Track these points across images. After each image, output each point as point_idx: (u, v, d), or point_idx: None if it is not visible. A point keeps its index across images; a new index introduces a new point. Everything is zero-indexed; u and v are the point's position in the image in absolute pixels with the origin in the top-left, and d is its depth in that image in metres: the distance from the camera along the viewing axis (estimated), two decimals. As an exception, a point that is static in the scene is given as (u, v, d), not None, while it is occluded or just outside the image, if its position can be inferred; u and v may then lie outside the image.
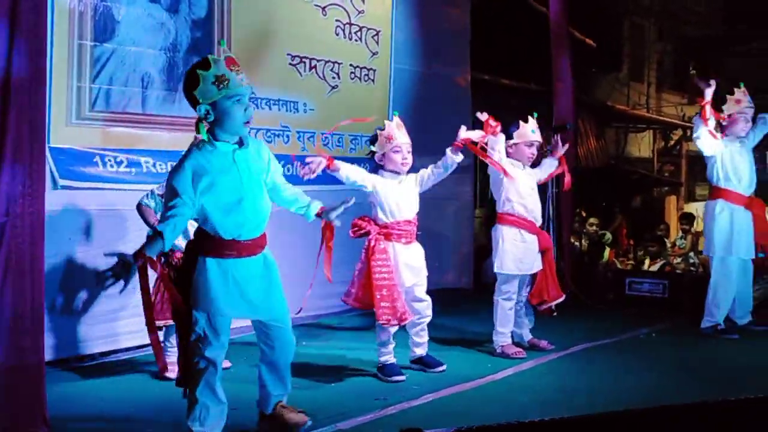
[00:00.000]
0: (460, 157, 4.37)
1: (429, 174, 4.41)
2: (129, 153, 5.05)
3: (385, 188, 4.26)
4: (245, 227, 3.11)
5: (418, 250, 4.42)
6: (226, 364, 4.44)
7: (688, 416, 2.06)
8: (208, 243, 3.08)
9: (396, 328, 4.29)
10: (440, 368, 4.43)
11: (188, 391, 3.12)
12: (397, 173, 4.32)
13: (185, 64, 5.41)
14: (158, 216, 4.18)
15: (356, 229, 4.27)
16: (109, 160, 5.00)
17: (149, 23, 5.23)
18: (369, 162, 4.48)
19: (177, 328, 3.16)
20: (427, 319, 4.47)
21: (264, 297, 3.19)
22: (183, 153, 3.14)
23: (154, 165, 5.14)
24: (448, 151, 4.33)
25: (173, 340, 4.20)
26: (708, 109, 5.27)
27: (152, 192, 4.31)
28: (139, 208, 4.30)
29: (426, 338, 4.51)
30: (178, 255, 4.17)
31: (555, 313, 4.95)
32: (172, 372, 4.04)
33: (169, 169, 4.30)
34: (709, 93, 5.27)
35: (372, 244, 4.21)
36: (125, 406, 3.82)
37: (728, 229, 5.33)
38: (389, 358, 4.34)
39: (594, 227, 8.95)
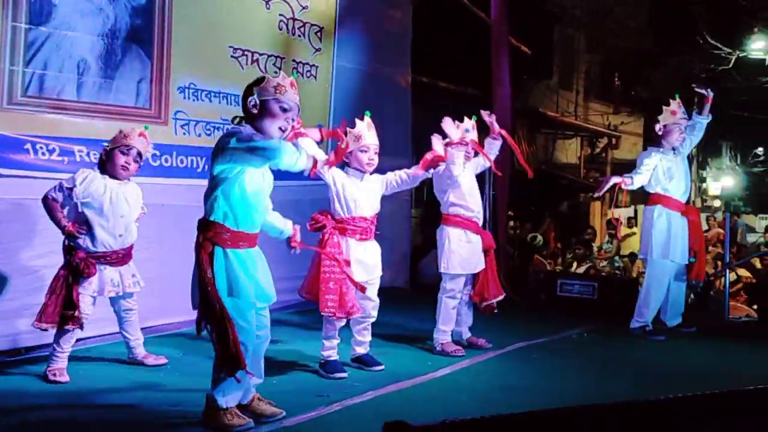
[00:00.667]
0: (430, 173, 4.48)
1: (396, 180, 4.46)
2: (62, 141, 4.88)
3: (345, 184, 4.29)
4: (258, 219, 3.34)
5: (374, 249, 4.44)
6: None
7: (618, 414, 2.12)
8: (223, 235, 3.22)
9: (342, 323, 4.29)
10: (378, 368, 4.45)
11: (218, 366, 3.23)
12: (362, 172, 4.34)
13: (123, 51, 5.28)
14: (65, 212, 4.12)
15: (313, 222, 4.30)
16: (41, 148, 4.81)
17: (87, 8, 5.06)
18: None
19: (214, 316, 3.18)
20: (372, 320, 4.49)
21: (268, 285, 3.39)
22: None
23: (87, 154, 4.96)
24: (420, 170, 4.36)
25: (63, 345, 4.07)
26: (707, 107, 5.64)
27: (60, 185, 4.11)
28: (45, 201, 4.09)
29: (368, 338, 4.53)
30: (81, 255, 4.05)
31: (496, 311, 5.03)
32: (61, 376, 4.02)
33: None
34: (709, 99, 5.62)
35: (326, 237, 4.23)
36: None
37: (666, 233, 5.54)
38: (332, 353, 4.33)
39: (516, 231, 9.15)
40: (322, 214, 4.32)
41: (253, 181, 3.26)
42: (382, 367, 4.46)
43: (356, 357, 4.50)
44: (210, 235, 3.22)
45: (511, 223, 9.62)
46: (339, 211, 4.32)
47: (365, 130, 4.30)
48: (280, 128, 3.29)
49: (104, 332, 4.90)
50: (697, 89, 5.71)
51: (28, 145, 4.73)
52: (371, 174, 4.41)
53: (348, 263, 4.22)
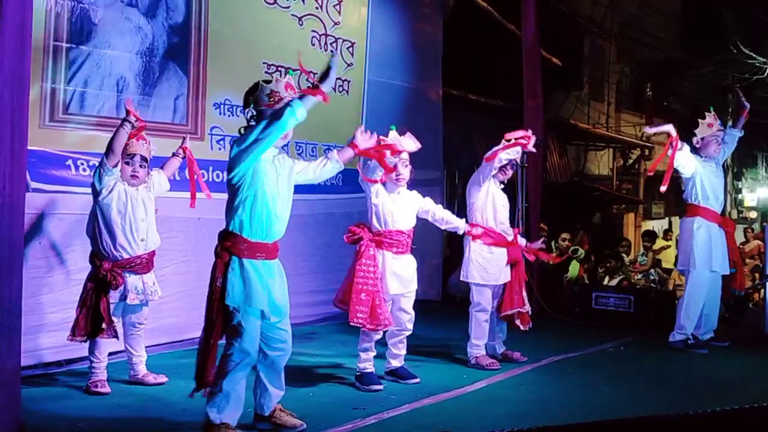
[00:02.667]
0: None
1: (435, 216, 4.69)
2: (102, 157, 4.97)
3: (383, 198, 4.34)
4: (273, 229, 3.32)
5: (410, 262, 4.47)
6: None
7: (655, 429, 2.09)
8: (240, 245, 3.25)
9: (378, 335, 4.31)
10: (413, 380, 4.45)
11: (213, 381, 3.25)
12: (395, 185, 4.39)
13: (161, 68, 5.38)
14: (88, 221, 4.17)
15: (350, 234, 4.35)
16: (82, 164, 4.91)
17: (126, 27, 5.18)
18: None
19: (209, 327, 3.22)
20: (408, 333, 4.50)
21: (282, 299, 3.38)
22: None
23: (127, 170, 5.05)
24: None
25: (99, 355, 4.12)
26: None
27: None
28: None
29: (403, 351, 4.53)
30: (107, 266, 4.08)
31: (530, 326, 4.99)
32: (102, 388, 4.05)
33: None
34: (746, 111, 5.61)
35: (362, 249, 4.27)
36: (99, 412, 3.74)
37: (707, 244, 5.48)
38: (368, 366, 4.35)
39: (566, 242, 9.08)
40: (358, 227, 4.37)
41: (270, 188, 3.28)
42: (418, 380, 4.46)
43: (391, 370, 4.51)
44: (228, 244, 3.26)
45: (566, 235, 9.55)
46: (376, 225, 4.35)
47: (403, 142, 4.31)
48: (284, 137, 3.32)
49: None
50: (738, 94, 5.66)
51: (70, 161, 4.84)
52: (407, 188, 4.47)
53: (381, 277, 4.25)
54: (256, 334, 3.29)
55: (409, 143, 4.31)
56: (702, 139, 5.57)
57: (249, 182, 3.24)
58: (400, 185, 4.41)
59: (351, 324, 4.21)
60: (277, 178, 3.35)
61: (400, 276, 4.37)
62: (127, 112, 4.12)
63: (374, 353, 4.38)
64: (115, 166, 4.10)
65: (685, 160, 5.45)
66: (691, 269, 5.54)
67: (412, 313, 4.50)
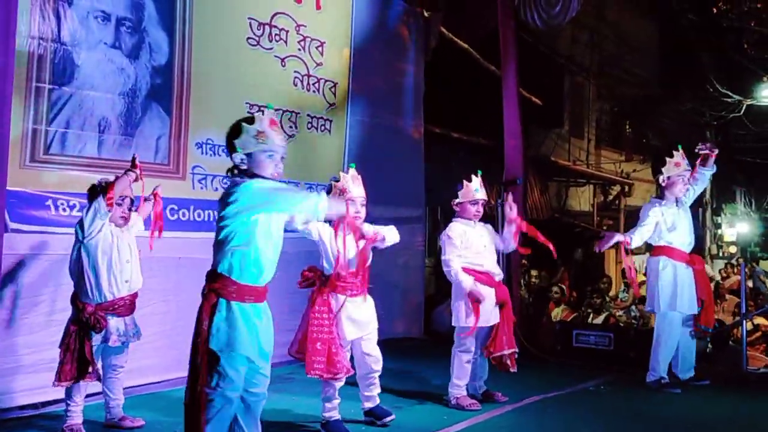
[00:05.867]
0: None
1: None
2: (82, 197, 4.89)
3: (331, 239, 4.16)
4: (266, 273, 3.26)
5: (366, 304, 4.33)
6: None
7: None
8: (229, 288, 3.16)
9: (341, 383, 4.19)
10: (389, 418, 4.38)
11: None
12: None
13: (144, 109, 5.42)
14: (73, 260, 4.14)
15: (302, 279, 4.21)
16: (62, 204, 4.91)
17: (109, 68, 5.22)
18: None
19: (194, 372, 3.13)
20: (377, 374, 4.38)
21: (268, 343, 3.29)
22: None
23: (108, 210, 5.05)
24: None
25: (77, 399, 4.09)
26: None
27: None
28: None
29: (375, 392, 4.42)
30: (90, 309, 4.05)
31: (512, 370, 4.94)
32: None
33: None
34: (713, 154, 5.64)
35: (314, 295, 4.15)
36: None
37: (672, 284, 5.49)
38: (334, 414, 4.22)
39: (537, 279, 9.11)
40: (311, 271, 4.22)
41: (264, 235, 3.21)
42: (393, 417, 4.39)
43: (367, 410, 4.45)
44: (216, 286, 3.17)
45: (534, 273, 9.60)
46: (327, 267, 4.20)
47: (350, 183, 4.16)
48: (274, 175, 3.25)
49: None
50: (700, 152, 5.68)
51: (49, 202, 4.84)
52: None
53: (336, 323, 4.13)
54: (240, 381, 3.21)
55: (359, 190, 4.21)
56: (668, 178, 5.60)
57: (244, 229, 3.17)
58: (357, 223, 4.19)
59: (308, 376, 4.07)
60: (270, 223, 3.27)
61: (355, 320, 4.22)
62: (134, 165, 4.21)
63: (338, 400, 4.25)
64: (109, 209, 4.10)
65: (641, 238, 5.55)
66: (657, 311, 5.58)
67: (377, 353, 4.36)
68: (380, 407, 4.45)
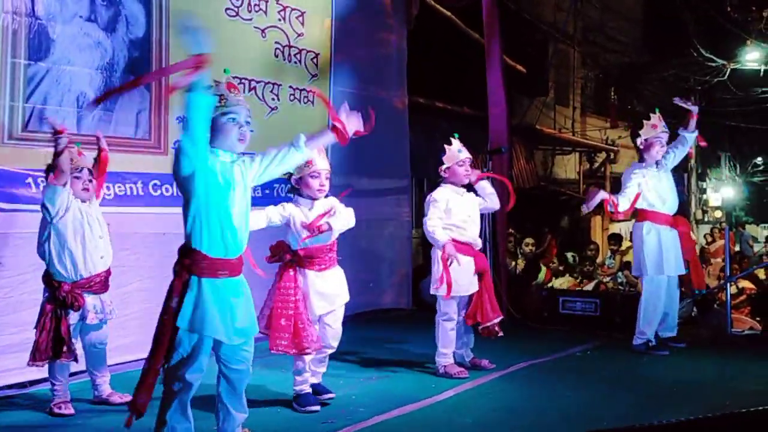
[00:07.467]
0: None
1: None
2: (64, 174, 4.90)
3: (293, 214, 4.10)
4: (237, 242, 3.14)
5: (336, 277, 4.25)
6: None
7: None
8: (200, 263, 3.05)
9: (311, 356, 4.16)
10: (328, 396, 4.30)
11: (159, 413, 3.11)
12: (312, 198, 4.15)
13: (121, 83, 5.32)
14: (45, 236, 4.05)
15: (270, 254, 4.15)
16: (42, 181, 4.82)
17: (85, 42, 5.12)
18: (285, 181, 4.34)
19: (155, 348, 3.04)
20: (331, 350, 4.32)
21: (247, 319, 3.20)
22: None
23: (89, 186, 4.99)
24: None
25: (60, 377, 4.07)
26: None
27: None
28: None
29: (322, 369, 4.38)
30: (66, 287, 4.01)
31: (500, 335, 4.98)
32: (66, 409, 4.02)
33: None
34: (693, 114, 5.60)
35: (281, 270, 4.09)
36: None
37: (657, 249, 5.54)
38: (305, 387, 4.19)
39: (530, 247, 9.15)
40: (278, 246, 4.14)
41: (221, 199, 3.08)
42: (333, 395, 4.31)
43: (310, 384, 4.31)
44: (187, 262, 3.05)
45: (531, 241, 9.61)
46: (294, 243, 4.13)
47: (316, 155, 4.02)
48: (239, 140, 3.17)
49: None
50: (679, 103, 5.68)
51: (30, 179, 4.78)
52: (325, 198, 4.20)
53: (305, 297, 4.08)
54: (202, 365, 3.11)
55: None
56: (645, 140, 5.62)
57: (197, 193, 3.04)
58: (319, 197, 4.15)
59: (272, 352, 4.01)
60: (235, 190, 3.13)
61: (324, 294, 4.15)
62: (56, 132, 3.98)
63: (309, 374, 4.21)
64: (65, 184, 4.02)
65: (629, 200, 5.55)
66: (644, 275, 5.62)
67: (338, 328, 4.29)
68: (321, 385, 4.36)
